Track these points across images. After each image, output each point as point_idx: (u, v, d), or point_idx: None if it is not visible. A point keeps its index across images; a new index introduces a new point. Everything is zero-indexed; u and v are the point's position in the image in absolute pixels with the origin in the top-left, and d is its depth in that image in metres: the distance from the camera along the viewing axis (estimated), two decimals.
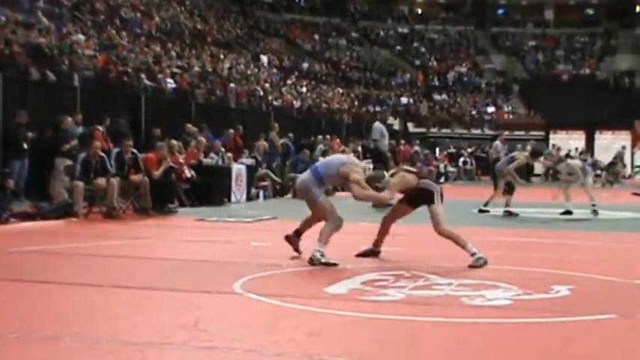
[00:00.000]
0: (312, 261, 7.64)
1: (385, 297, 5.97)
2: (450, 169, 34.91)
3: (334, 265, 7.57)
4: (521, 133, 41.49)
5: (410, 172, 8.32)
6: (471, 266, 7.65)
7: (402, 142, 32.57)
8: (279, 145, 21.80)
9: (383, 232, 8.42)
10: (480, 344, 4.67)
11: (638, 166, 38.25)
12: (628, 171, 37.00)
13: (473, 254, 7.78)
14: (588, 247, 10.12)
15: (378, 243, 8.42)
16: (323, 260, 7.61)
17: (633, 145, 39.58)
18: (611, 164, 32.00)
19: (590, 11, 54.62)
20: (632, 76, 47.71)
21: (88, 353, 4.27)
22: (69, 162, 13.54)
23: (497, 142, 23.27)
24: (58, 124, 14.19)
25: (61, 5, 24.47)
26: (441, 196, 8.15)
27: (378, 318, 5.29)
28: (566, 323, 5.22)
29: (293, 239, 8.30)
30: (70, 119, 14.47)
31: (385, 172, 8.39)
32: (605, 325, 5.16)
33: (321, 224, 8.04)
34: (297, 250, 8.25)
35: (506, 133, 30.53)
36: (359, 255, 8.27)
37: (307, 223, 8.32)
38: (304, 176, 8.29)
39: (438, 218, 8.07)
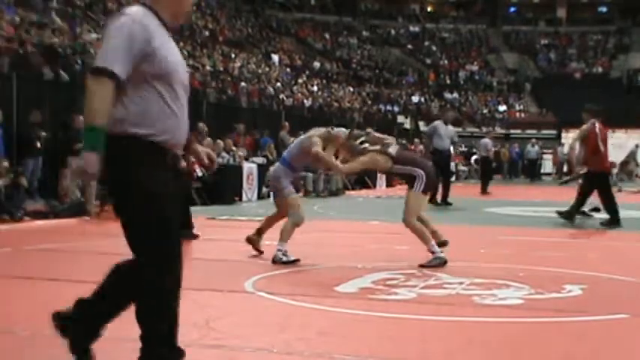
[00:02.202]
0: (274, 261, 7.63)
1: (396, 296, 5.96)
2: (462, 167, 34.88)
3: (296, 261, 7.59)
4: (533, 131, 41.40)
5: (384, 153, 7.84)
6: (422, 265, 7.42)
7: (417, 140, 32.68)
8: (289, 144, 21.80)
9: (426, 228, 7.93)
10: (492, 343, 4.65)
11: None
12: None
13: (433, 252, 7.55)
14: (601, 246, 10.08)
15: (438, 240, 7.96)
16: (284, 259, 7.60)
17: None
18: (624, 163, 31.84)
19: (603, 9, 54.42)
20: None
21: (98, 351, 4.27)
22: (82, 162, 13.59)
23: (487, 140, 23.16)
24: (69, 123, 14.24)
25: (74, 5, 24.57)
26: (431, 185, 7.82)
27: (388, 317, 5.29)
28: (578, 323, 5.20)
29: (253, 239, 8.32)
30: (82, 118, 14.52)
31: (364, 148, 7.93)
32: (618, 325, 5.14)
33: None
34: (257, 250, 8.29)
35: (494, 130, 30.63)
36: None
37: (269, 222, 8.35)
38: (274, 167, 8.35)
39: (408, 208, 7.70)
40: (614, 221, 12.14)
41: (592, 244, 10.25)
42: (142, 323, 3.68)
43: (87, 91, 3.37)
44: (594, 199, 14.67)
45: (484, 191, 21.64)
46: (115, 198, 3.65)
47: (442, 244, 7.96)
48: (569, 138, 18.52)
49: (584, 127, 12.57)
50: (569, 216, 12.39)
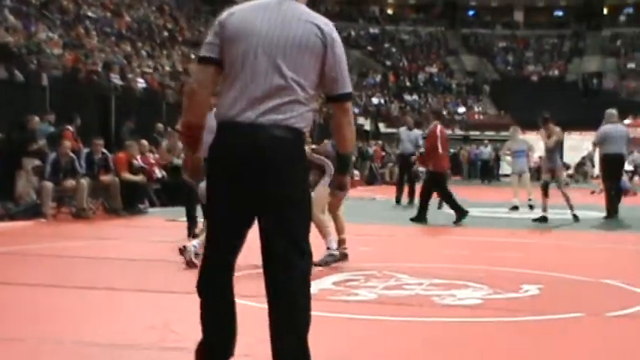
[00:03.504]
0: (182, 251, 7.51)
1: (356, 297, 5.96)
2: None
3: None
4: (492, 133, 41.83)
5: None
6: (316, 264, 7.30)
7: (380, 142, 32.91)
8: None
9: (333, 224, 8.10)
10: (451, 343, 4.67)
11: None
12: (596, 171, 37.29)
13: (328, 248, 7.60)
14: (557, 246, 10.20)
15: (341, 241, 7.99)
16: (194, 258, 7.29)
17: None
18: (580, 164, 32.30)
19: (559, 13, 55.22)
20: (600, 77, 48.26)
21: (53, 355, 4.21)
22: (37, 162, 13.40)
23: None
24: (24, 124, 14.03)
25: (29, 4, 24.21)
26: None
27: (349, 318, 5.28)
28: (536, 322, 5.25)
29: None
30: (37, 119, 14.32)
31: None
32: (574, 324, 5.20)
33: None
34: None
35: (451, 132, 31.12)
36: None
37: None
38: None
39: (315, 201, 7.58)
40: (461, 215, 12.59)
41: (549, 245, 10.36)
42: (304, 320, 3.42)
43: (347, 118, 3.44)
44: (515, 199, 15.44)
45: None
46: (296, 191, 3.38)
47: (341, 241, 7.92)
48: (527, 139, 18.85)
49: (430, 127, 13.36)
50: (420, 218, 12.80)
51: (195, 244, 7.53)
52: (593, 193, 21.95)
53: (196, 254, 7.40)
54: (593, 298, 6.19)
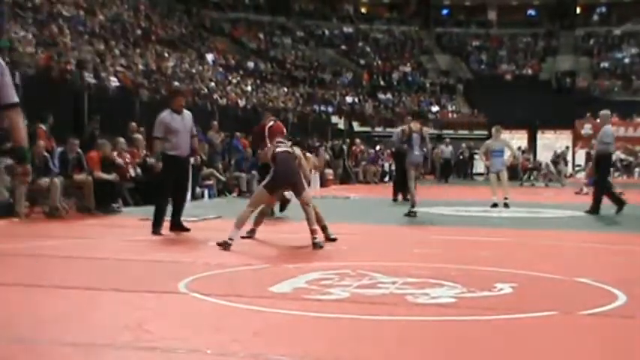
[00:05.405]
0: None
1: (330, 296, 5.97)
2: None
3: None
4: (465, 132, 42.07)
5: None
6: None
7: (358, 141, 33.03)
8: (218, 144, 21.51)
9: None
10: (425, 342, 4.70)
11: (579, 166, 38.97)
12: (569, 170, 37.67)
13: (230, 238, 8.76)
14: (530, 245, 10.27)
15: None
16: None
17: (574, 145, 40.41)
18: (554, 163, 32.56)
19: (532, 12, 55.60)
20: (573, 76, 48.66)
21: (27, 355, 4.19)
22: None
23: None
24: None
25: (1, 2, 23.97)
26: (276, 186, 9.35)
27: (323, 317, 5.30)
28: (509, 321, 5.29)
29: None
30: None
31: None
32: (547, 322, 5.24)
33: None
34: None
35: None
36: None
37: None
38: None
39: (251, 198, 9.90)
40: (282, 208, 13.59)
41: (521, 243, 10.43)
42: None
43: (22, 119, 4.65)
44: (494, 197, 15.67)
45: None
46: None
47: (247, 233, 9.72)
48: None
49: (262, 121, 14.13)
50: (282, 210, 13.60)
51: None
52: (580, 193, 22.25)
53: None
54: (566, 297, 6.25)
